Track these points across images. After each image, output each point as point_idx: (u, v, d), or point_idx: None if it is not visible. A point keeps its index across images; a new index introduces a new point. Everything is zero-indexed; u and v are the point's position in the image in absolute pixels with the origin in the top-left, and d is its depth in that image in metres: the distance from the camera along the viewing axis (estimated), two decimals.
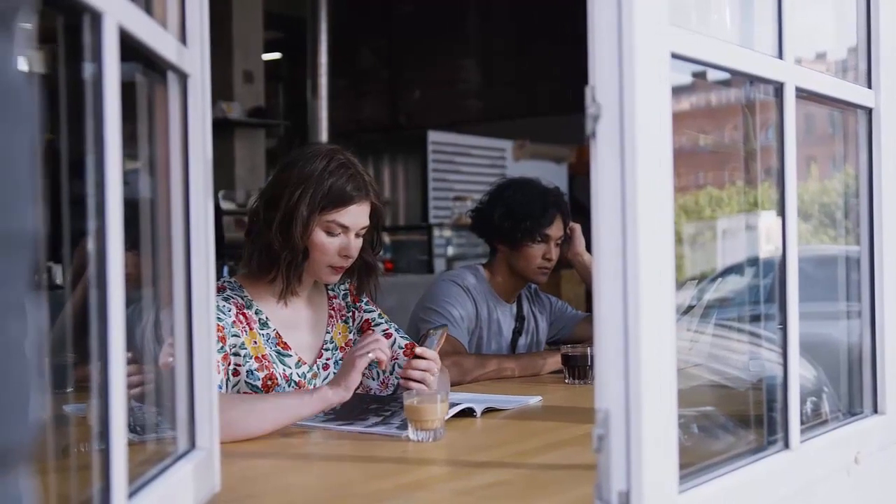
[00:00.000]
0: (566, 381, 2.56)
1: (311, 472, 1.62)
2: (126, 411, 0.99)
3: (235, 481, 1.46)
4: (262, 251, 2.08)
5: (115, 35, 0.97)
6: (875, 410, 1.72)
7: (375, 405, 2.05)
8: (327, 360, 2.19)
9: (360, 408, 2.03)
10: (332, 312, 2.24)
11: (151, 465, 1.20)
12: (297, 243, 2.04)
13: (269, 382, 2.04)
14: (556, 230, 2.88)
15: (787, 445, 1.44)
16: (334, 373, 2.15)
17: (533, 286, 3.07)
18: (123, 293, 0.98)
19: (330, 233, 2.06)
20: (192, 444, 1.30)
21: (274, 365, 2.06)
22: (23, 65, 0.54)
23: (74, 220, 0.99)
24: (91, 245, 0.96)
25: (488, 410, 2.08)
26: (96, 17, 0.95)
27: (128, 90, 1.02)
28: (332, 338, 2.21)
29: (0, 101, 0.50)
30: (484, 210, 2.95)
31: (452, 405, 1.94)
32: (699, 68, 1.32)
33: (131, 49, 1.05)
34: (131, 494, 1.03)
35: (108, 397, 0.95)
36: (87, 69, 0.97)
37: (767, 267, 1.72)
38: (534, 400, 2.25)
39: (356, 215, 2.08)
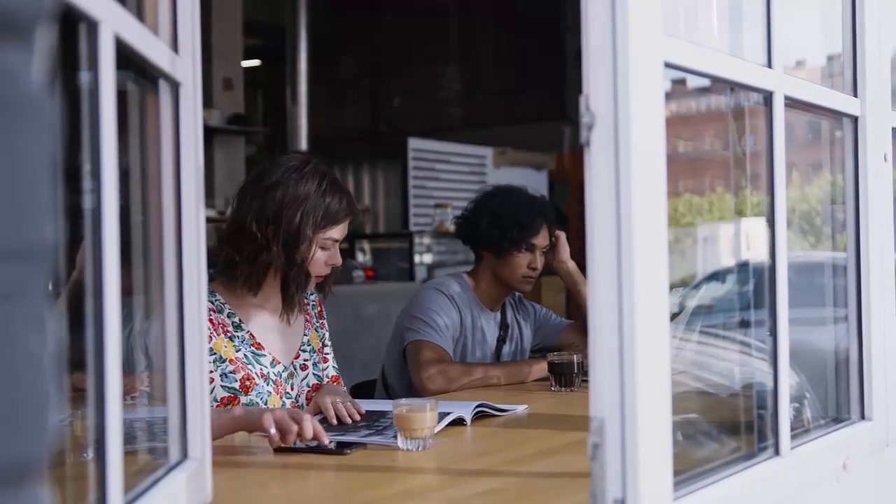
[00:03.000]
0: (552, 388, 2.56)
1: (302, 483, 1.62)
2: (122, 423, 0.98)
3: (227, 492, 1.45)
4: (259, 268, 2.13)
5: (111, 43, 0.96)
6: (862, 417, 1.73)
7: (366, 421, 2.03)
8: (305, 360, 2.27)
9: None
10: (308, 317, 2.33)
11: (144, 475, 1.19)
12: (304, 263, 2.14)
13: (248, 383, 2.12)
14: (542, 239, 2.88)
15: (777, 452, 1.44)
16: (313, 373, 2.27)
17: (517, 294, 3.07)
18: (119, 303, 0.97)
19: (324, 248, 2.18)
20: (185, 455, 1.30)
21: (249, 365, 2.13)
22: (41, 76, 0.54)
23: (67, 230, 0.97)
24: (87, 253, 0.95)
25: (479, 415, 2.07)
26: (93, 26, 0.94)
27: (119, 98, 1.02)
28: (308, 340, 2.30)
29: (21, 113, 0.50)
30: (470, 217, 2.94)
31: (442, 414, 1.93)
32: (679, 75, 1.33)
33: (123, 57, 1.04)
34: None
35: (105, 409, 0.95)
36: (82, 77, 0.96)
37: (750, 273, 1.73)
38: (520, 409, 2.25)
39: (345, 228, 2.22)
